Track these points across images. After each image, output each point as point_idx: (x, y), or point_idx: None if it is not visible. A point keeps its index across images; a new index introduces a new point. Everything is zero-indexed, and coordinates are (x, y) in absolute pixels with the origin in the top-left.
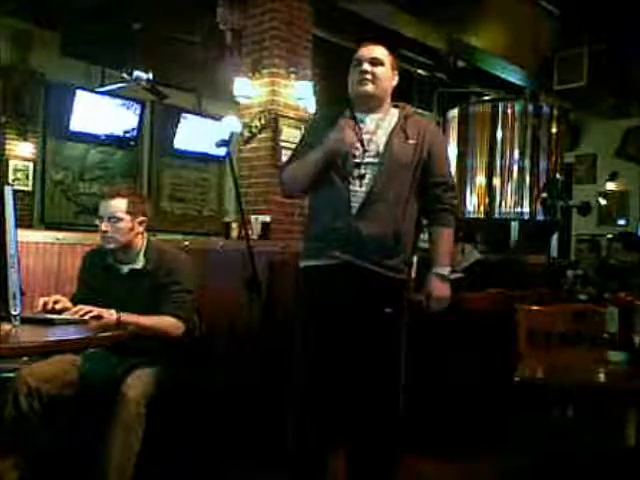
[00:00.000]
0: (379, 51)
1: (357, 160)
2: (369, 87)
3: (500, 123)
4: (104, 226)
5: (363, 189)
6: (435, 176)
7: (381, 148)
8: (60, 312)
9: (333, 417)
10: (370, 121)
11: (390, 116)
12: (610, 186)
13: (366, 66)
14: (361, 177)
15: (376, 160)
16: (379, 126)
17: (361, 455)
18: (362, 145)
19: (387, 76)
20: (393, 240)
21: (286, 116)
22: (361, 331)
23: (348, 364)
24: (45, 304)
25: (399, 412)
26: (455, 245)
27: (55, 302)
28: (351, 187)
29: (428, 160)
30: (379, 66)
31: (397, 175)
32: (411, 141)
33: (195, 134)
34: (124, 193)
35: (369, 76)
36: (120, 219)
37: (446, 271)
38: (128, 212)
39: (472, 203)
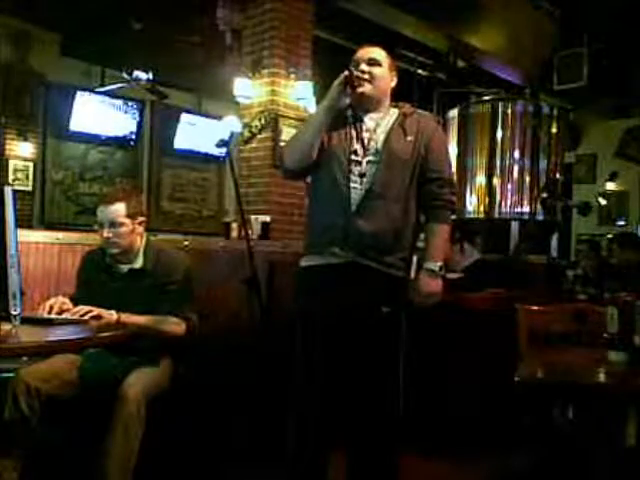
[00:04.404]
0: (377, 52)
1: (358, 158)
2: (366, 87)
3: (500, 123)
4: (106, 233)
5: (363, 186)
6: (431, 172)
7: (379, 146)
8: (60, 312)
9: (333, 417)
10: (370, 120)
11: (390, 115)
12: (610, 186)
13: (363, 66)
14: (361, 175)
15: (375, 158)
16: (378, 125)
17: (360, 455)
18: (362, 144)
19: (385, 76)
20: (392, 237)
21: (286, 116)
22: (360, 329)
23: (347, 363)
24: (51, 308)
25: (398, 412)
26: (455, 245)
27: (61, 304)
28: (351, 184)
29: (426, 156)
30: (377, 66)
31: (396, 172)
32: (410, 138)
33: (195, 134)
34: (122, 197)
35: (366, 76)
36: (121, 224)
37: (437, 267)
38: (128, 215)
39: (472, 203)
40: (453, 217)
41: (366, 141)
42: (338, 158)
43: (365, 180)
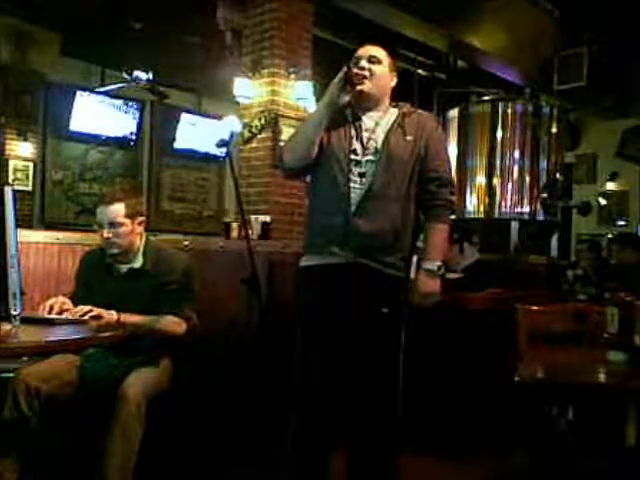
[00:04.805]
0: (378, 51)
1: (357, 158)
2: (366, 85)
3: (500, 123)
4: (106, 233)
5: (363, 186)
6: (431, 171)
7: (379, 145)
8: (60, 312)
9: (333, 417)
10: (369, 120)
11: (389, 114)
12: (610, 186)
13: (364, 63)
14: (361, 175)
15: (375, 158)
16: (378, 124)
17: (360, 455)
18: (361, 143)
19: (385, 75)
20: (391, 237)
21: (286, 116)
22: (359, 329)
23: (347, 363)
24: (51, 308)
25: (397, 412)
26: (454, 245)
27: (61, 304)
28: (351, 184)
29: (425, 156)
30: (377, 64)
31: (396, 172)
32: (409, 137)
33: (195, 134)
34: (121, 197)
35: (366, 73)
36: (121, 224)
37: (435, 266)
38: (127, 216)
39: (472, 203)
40: (452, 217)
41: (365, 140)
42: (337, 157)
43: (365, 180)
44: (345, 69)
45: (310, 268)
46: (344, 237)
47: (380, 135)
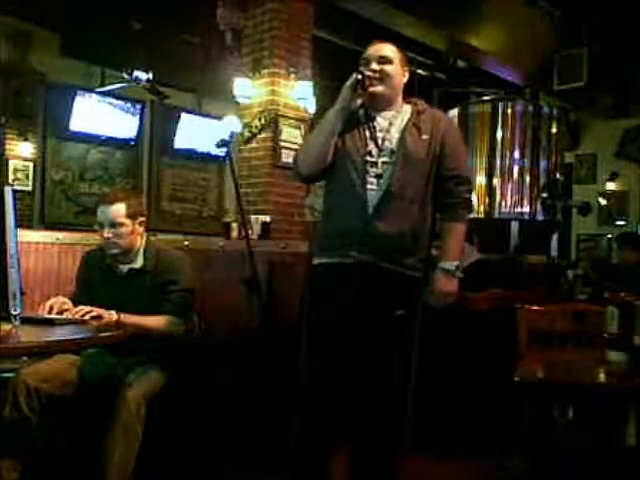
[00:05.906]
0: (387, 49)
1: (373, 159)
2: (378, 87)
3: (500, 123)
4: (106, 233)
5: (380, 188)
6: (448, 169)
7: (394, 146)
8: (60, 312)
9: (339, 417)
10: (383, 119)
11: (403, 113)
12: (610, 186)
13: (374, 65)
14: (378, 176)
15: (391, 159)
16: (392, 124)
17: (365, 457)
18: (376, 144)
19: (396, 74)
20: (410, 239)
21: (286, 116)
22: (374, 330)
23: (358, 364)
24: (51, 308)
25: (407, 413)
26: None
27: (61, 304)
28: (368, 186)
29: (442, 154)
30: (388, 64)
31: (413, 172)
32: (424, 136)
33: (195, 134)
34: (122, 197)
35: (378, 75)
36: (121, 224)
37: (453, 266)
38: (128, 216)
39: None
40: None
41: (380, 141)
42: (353, 159)
43: (382, 181)
44: (356, 74)
45: (325, 266)
46: (362, 240)
47: (395, 135)
